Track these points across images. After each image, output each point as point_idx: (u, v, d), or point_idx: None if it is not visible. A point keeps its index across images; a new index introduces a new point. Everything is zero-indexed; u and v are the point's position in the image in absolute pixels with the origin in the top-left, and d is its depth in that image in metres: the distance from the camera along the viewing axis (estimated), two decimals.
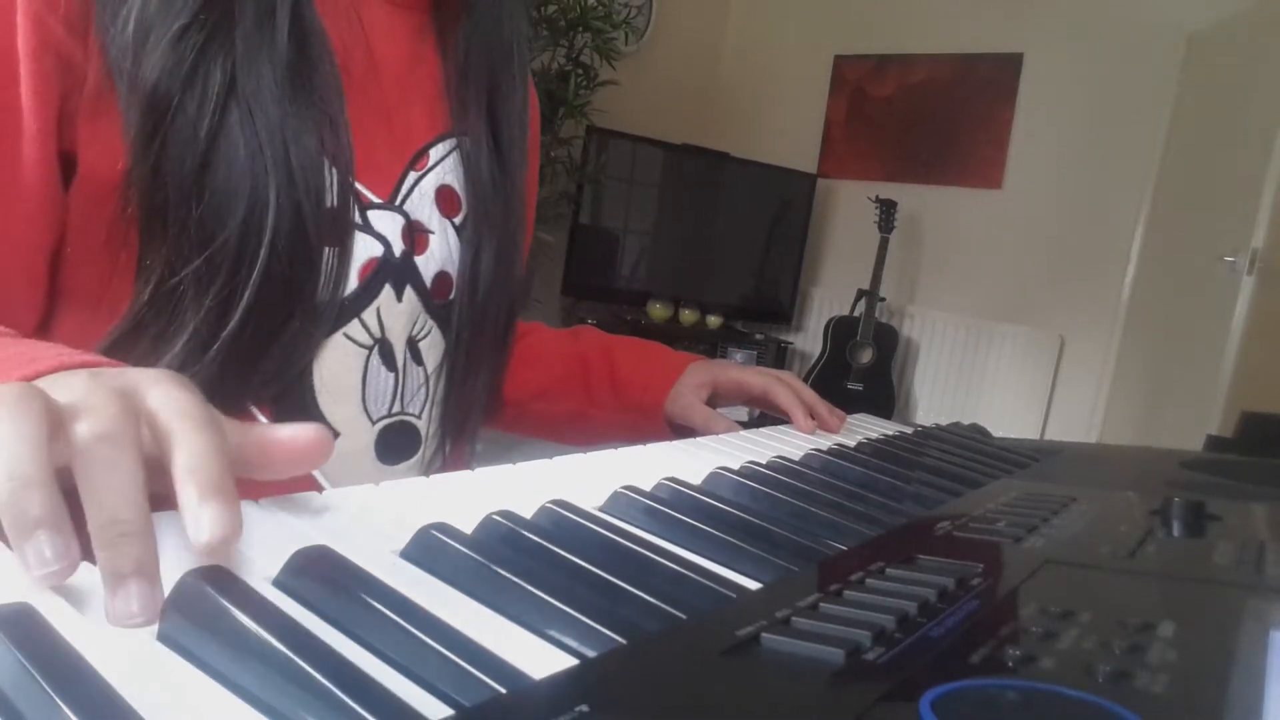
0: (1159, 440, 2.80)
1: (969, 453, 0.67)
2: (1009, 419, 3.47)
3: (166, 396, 0.31)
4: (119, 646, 0.23)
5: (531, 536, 0.35)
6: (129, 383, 0.31)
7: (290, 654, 0.23)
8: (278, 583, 0.29)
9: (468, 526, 0.35)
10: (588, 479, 0.47)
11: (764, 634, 0.27)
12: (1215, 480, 0.66)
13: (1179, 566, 0.39)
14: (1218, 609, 0.33)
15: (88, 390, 0.29)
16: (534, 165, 0.77)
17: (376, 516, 0.37)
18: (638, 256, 3.81)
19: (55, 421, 0.27)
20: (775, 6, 4.21)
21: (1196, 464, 0.72)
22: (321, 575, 0.28)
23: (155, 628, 0.25)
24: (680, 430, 0.77)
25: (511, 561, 0.31)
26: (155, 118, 0.48)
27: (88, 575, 0.26)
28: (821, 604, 0.30)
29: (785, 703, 0.23)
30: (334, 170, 0.54)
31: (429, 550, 0.33)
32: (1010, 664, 0.26)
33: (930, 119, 3.75)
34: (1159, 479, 0.65)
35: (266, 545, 0.31)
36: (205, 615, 0.25)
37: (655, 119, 3.85)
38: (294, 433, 0.35)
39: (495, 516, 0.36)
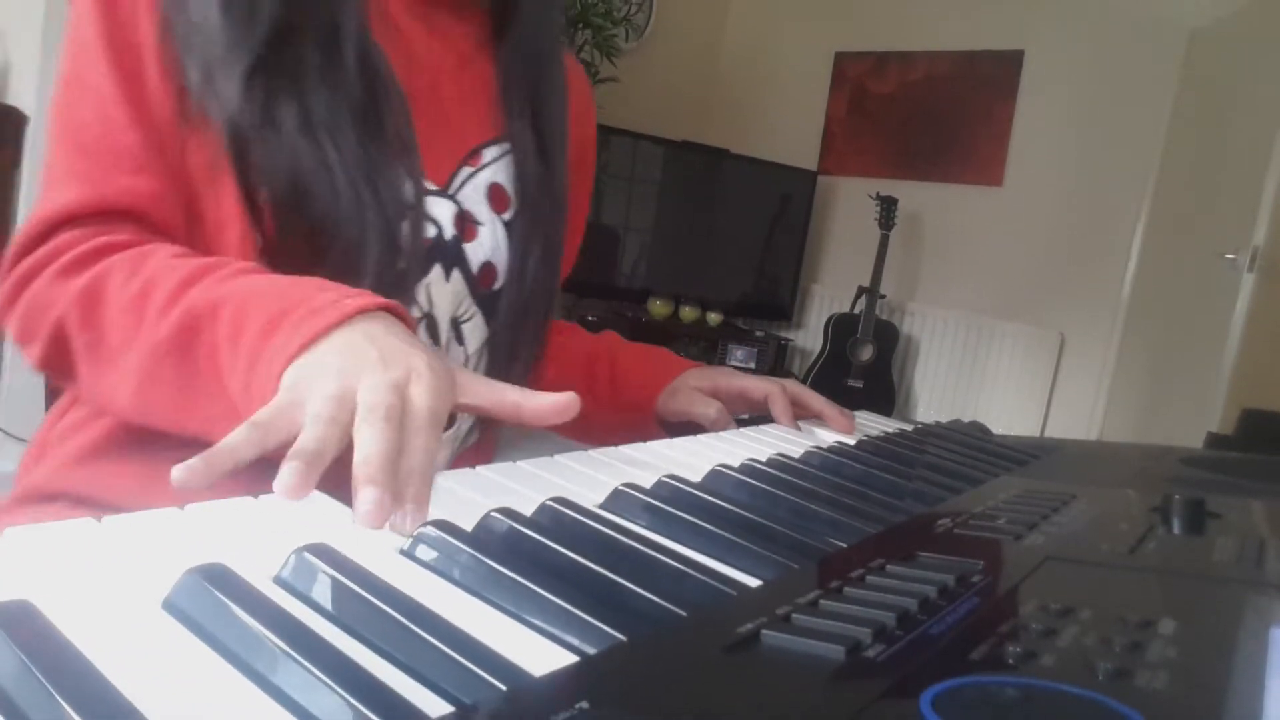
0: (1159, 437, 2.81)
1: (969, 450, 0.67)
2: (1009, 416, 3.46)
3: (422, 400, 0.40)
4: (119, 643, 0.23)
5: (532, 534, 0.35)
6: (402, 376, 0.41)
7: (291, 652, 0.23)
8: (280, 580, 0.29)
9: (468, 524, 0.35)
10: (588, 477, 0.47)
11: (764, 631, 0.27)
12: (1215, 477, 0.66)
13: (1179, 563, 0.39)
14: (1218, 606, 0.33)
15: (374, 384, 0.39)
16: (590, 160, 0.83)
17: None
18: (638, 253, 3.80)
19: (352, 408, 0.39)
20: (776, 3, 4.20)
21: (1197, 461, 0.72)
22: (323, 573, 0.28)
23: (154, 625, 0.25)
24: (676, 430, 0.77)
25: (512, 559, 0.31)
26: (236, 149, 0.54)
27: (84, 572, 0.26)
28: (822, 601, 0.30)
29: (786, 699, 0.23)
30: (410, 183, 0.60)
31: (430, 548, 0.33)
32: (1011, 661, 0.26)
33: (931, 116, 3.75)
34: (1159, 476, 0.65)
35: (269, 542, 0.31)
36: (206, 613, 0.25)
37: (655, 116, 3.85)
38: (546, 399, 0.45)
39: (496, 514, 0.36)
